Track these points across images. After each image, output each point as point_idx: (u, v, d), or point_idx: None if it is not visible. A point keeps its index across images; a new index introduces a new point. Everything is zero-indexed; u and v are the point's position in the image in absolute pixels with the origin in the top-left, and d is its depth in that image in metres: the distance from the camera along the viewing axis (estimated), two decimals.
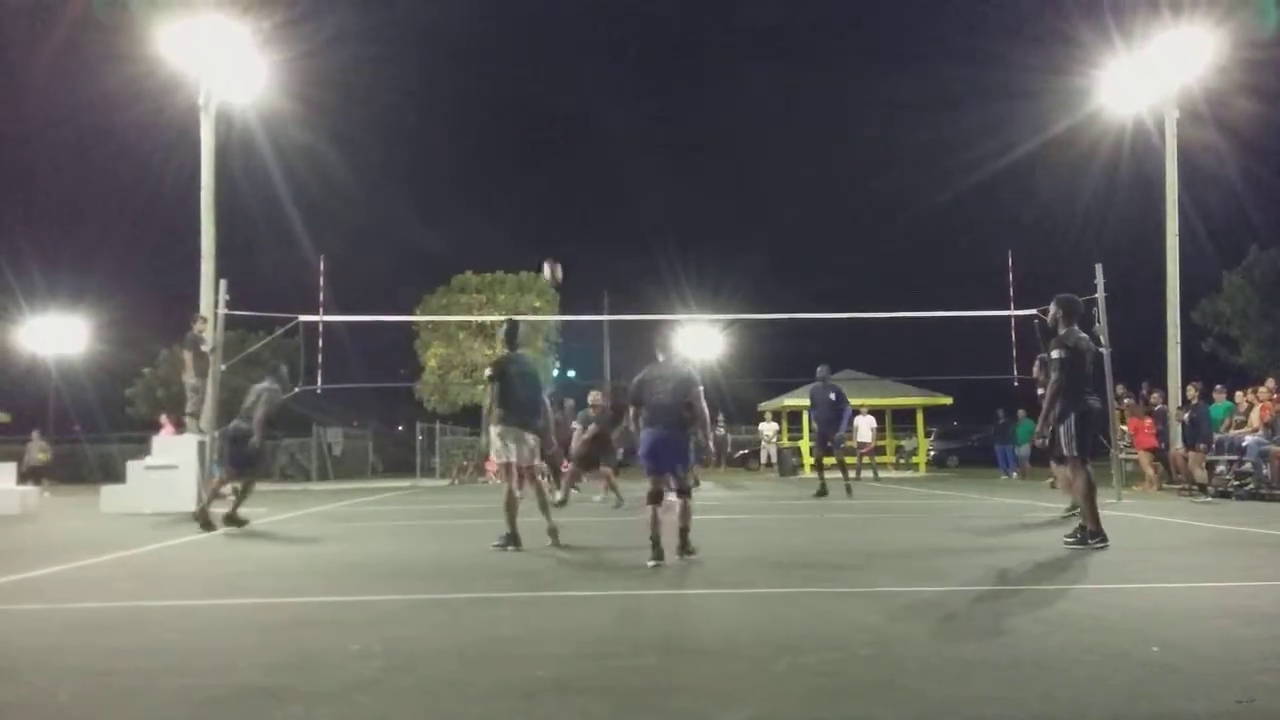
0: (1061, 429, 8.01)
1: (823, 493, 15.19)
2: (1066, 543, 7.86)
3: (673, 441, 7.48)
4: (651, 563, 7.03)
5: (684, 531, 7.38)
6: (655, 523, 7.26)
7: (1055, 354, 7.96)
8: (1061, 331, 8.11)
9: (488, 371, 8.60)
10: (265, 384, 11.15)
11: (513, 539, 8.12)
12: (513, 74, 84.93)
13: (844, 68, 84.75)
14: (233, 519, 10.66)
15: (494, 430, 8.32)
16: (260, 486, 13.33)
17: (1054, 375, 7.96)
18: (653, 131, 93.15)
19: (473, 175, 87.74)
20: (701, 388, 7.78)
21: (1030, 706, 3.21)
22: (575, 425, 14.95)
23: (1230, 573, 6.61)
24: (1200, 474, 15.45)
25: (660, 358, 7.93)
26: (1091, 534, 7.80)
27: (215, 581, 6.55)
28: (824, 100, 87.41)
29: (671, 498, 7.48)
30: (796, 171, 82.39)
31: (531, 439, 8.39)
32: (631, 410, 7.87)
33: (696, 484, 17.03)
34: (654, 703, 3.29)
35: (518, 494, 8.30)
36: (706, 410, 7.85)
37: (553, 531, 8.36)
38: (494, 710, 3.23)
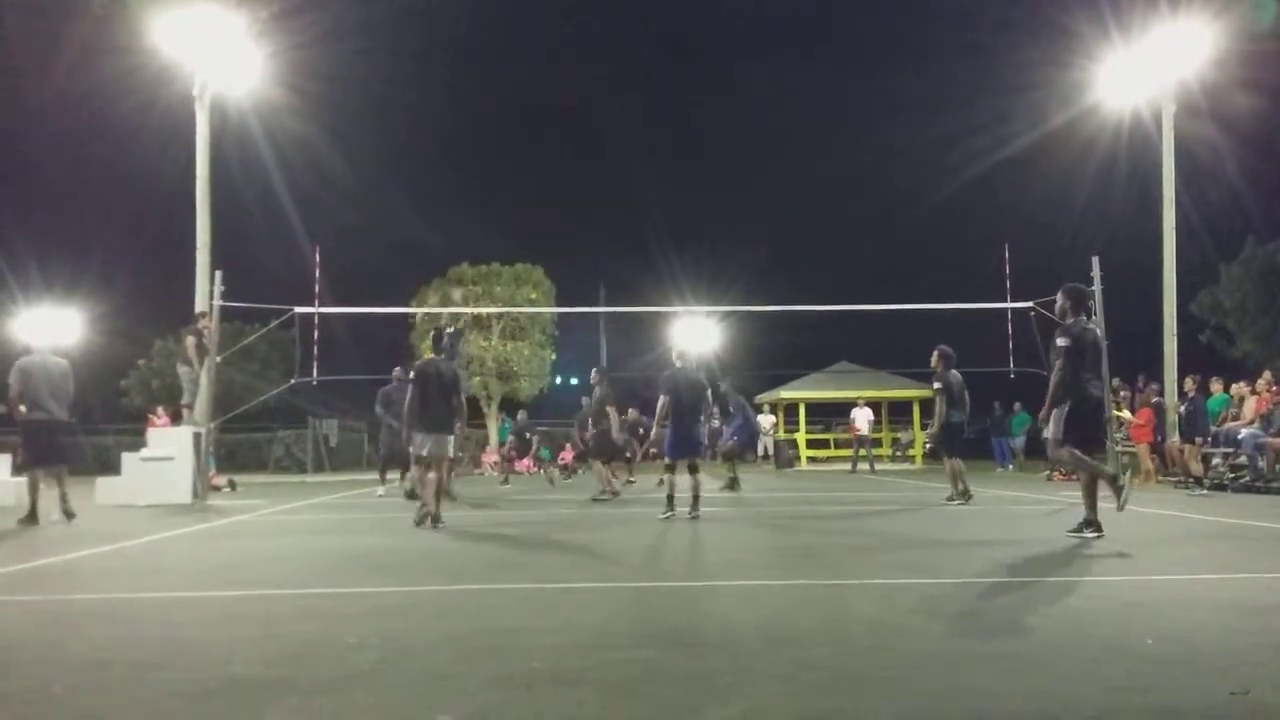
0: (1055, 414, 7.97)
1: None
2: (1070, 534, 7.90)
3: (696, 435, 10.39)
4: (664, 515, 9.88)
5: (697, 498, 10.06)
6: (672, 486, 10.18)
7: (1059, 342, 7.96)
8: (1068, 321, 8.10)
9: (410, 374, 9.87)
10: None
11: (430, 517, 9.31)
12: (510, 67, 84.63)
13: (840, 62, 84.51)
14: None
15: (415, 430, 9.60)
16: (255, 478, 13.32)
17: (1057, 363, 7.95)
18: (651, 124, 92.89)
19: (469, 167, 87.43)
20: (710, 389, 10.92)
21: (1025, 698, 3.21)
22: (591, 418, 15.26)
23: (1225, 565, 6.62)
24: (1196, 466, 15.43)
25: (679, 364, 10.53)
26: (1087, 523, 7.86)
27: (210, 573, 6.55)
28: (821, 95, 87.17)
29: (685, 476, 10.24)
30: (793, 165, 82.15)
31: (446, 437, 9.62)
32: (664, 400, 10.26)
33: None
34: (651, 694, 3.29)
35: (437, 480, 9.63)
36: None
37: (435, 517, 9.37)
38: (490, 702, 3.23)
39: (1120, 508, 7.91)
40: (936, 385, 12.31)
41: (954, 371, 12.38)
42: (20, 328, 34.12)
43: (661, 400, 10.31)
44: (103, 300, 39.03)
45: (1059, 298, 8.34)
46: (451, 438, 9.77)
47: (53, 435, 10.72)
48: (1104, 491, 7.98)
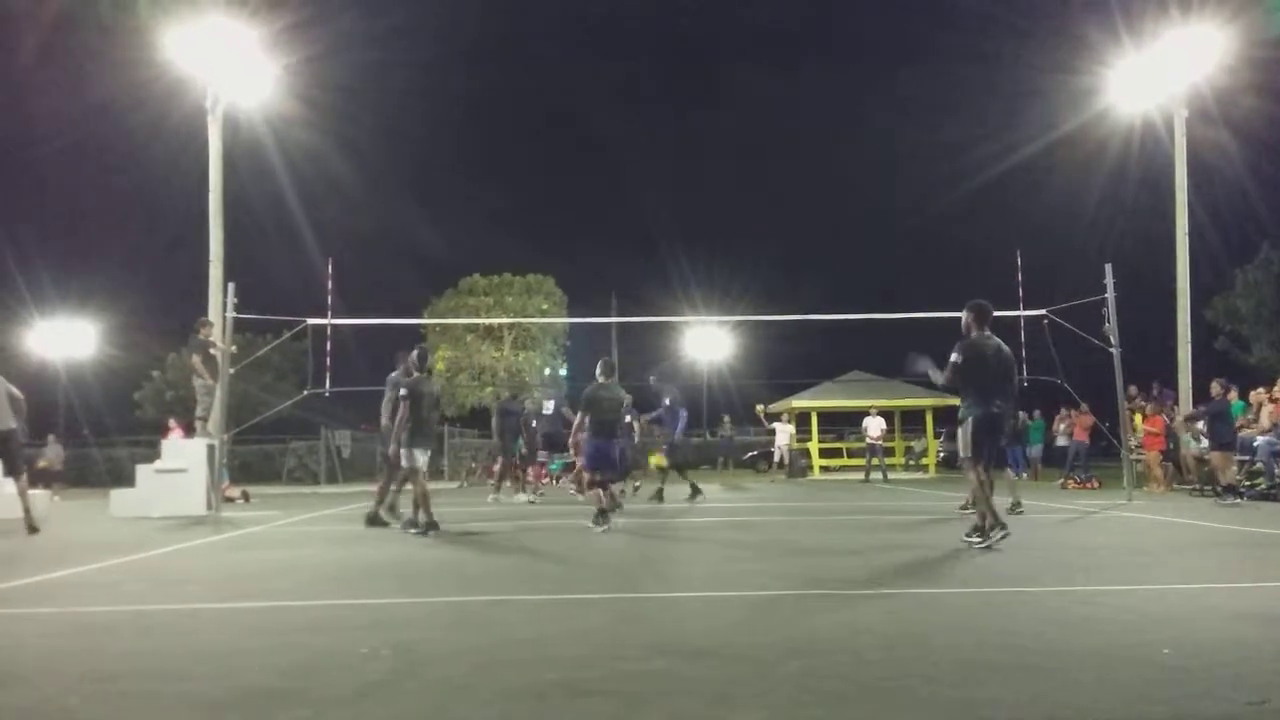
0: (959, 431, 8.18)
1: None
2: (965, 541, 7.99)
3: (615, 448, 10.65)
4: (601, 528, 9.79)
5: (603, 512, 10.07)
6: (599, 500, 10.30)
7: (953, 357, 8.12)
8: (972, 336, 8.18)
9: (402, 391, 9.99)
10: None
11: (431, 525, 9.66)
12: (519, 77, 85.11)
13: (852, 67, 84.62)
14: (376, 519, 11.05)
15: (405, 439, 9.92)
16: (268, 490, 13.33)
17: (948, 376, 8.17)
18: (661, 134, 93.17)
19: (480, 178, 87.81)
20: (635, 410, 11.56)
21: (1040, 708, 3.19)
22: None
23: (1241, 574, 6.57)
24: (1230, 474, 14.33)
25: (601, 379, 10.60)
26: (977, 529, 7.95)
27: (224, 585, 6.56)
28: (831, 100, 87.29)
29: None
30: (804, 172, 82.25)
31: (431, 449, 10.22)
32: (579, 418, 10.50)
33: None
34: (663, 706, 3.28)
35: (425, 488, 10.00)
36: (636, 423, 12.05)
37: (430, 525, 9.70)
38: (503, 713, 3.22)
39: (983, 540, 7.87)
40: None
41: None
42: (36, 339, 34.45)
43: (578, 416, 10.56)
44: (116, 313, 39.33)
45: (964, 314, 8.35)
46: (432, 449, 10.41)
47: None
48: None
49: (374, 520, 10.84)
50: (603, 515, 10.08)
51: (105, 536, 10.34)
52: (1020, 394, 18.53)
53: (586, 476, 10.77)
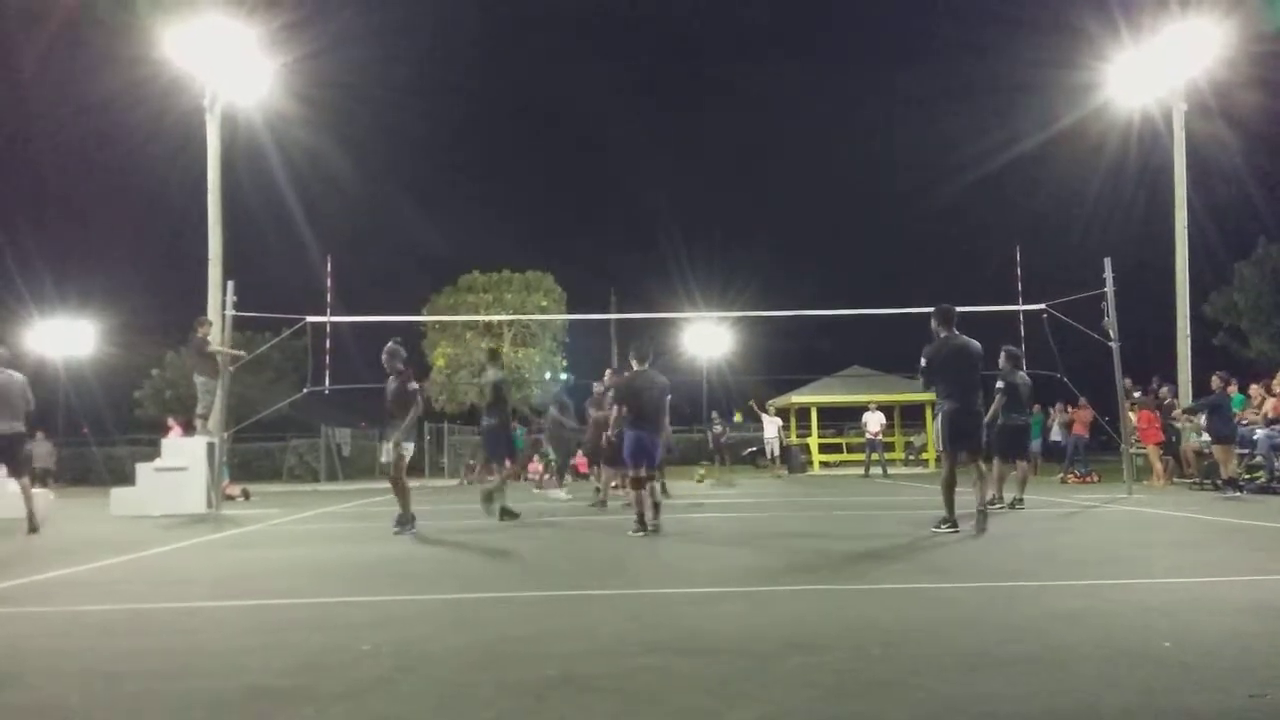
0: (934, 426, 9.14)
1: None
2: (933, 531, 8.62)
3: (655, 442, 9.58)
4: (638, 532, 9.07)
5: (657, 507, 9.54)
6: (640, 502, 9.37)
7: (921, 360, 8.93)
8: (940, 337, 8.89)
9: (413, 385, 9.99)
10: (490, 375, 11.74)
11: (409, 519, 9.73)
12: (518, 74, 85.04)
13: (851, 61, 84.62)
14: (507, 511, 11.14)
15: (402, 433, 9.80)
16: (269, 488, 13.30)
17: (922, 379, 9.13)
18: (659, 129, 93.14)
19: (479, 176, 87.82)
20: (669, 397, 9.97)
21: (1042, 703, 3.20)
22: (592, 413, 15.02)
23: (1242, 567, 6.57)
24: (1232, 467, 13.99)
25: (636, 366, 9.70)
26: (944, 520, 8.65)
27: (224, 583, 6.56)
28: (830, 94, 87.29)
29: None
30: (803, 167, 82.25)
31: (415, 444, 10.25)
32: (618, 410, 9.65)
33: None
34: (664, 701, 3.28)
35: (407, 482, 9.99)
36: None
37: (409, 519, 9.76)
38: (504, 710, 3.22)
39: (976, 530, 8.57)
40: (1000, 385, 12.04)
41: (1021, 373, 12.22)
42: (35, 338, 34.44)
43: (616, 409, 9.68)
44: (115, 312, 39.32)
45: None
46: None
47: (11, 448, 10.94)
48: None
49: (506, 513, 11.07)
50: (641, 521, 9.28)
51: (105, 535, 10.34)
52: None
53: (631, 473, 9.60)
